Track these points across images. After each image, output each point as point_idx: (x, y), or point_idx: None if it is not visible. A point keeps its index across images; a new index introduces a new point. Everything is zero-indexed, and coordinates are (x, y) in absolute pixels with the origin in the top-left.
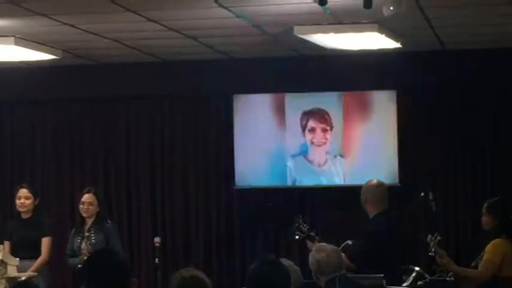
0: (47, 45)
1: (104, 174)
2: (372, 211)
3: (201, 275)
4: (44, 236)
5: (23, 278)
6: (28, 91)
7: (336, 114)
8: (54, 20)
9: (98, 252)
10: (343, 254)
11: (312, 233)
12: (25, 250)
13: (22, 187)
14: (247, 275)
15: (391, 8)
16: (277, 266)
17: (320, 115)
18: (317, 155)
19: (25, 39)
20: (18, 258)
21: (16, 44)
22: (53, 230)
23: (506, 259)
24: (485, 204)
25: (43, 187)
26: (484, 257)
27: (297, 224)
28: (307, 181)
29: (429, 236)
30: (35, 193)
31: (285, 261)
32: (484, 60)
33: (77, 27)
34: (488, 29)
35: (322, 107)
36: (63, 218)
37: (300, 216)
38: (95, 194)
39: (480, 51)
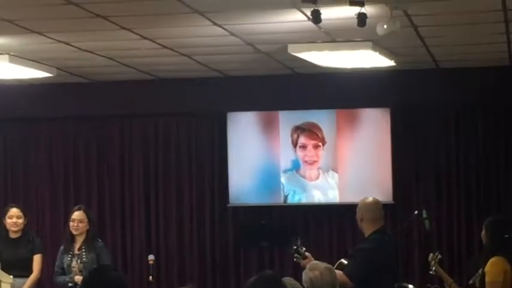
0: (42, 63)
1: (98, 192)
2: (368, 229)
3: None
4: (36, 254)
5: None
6: (22, 109)
7: (328, 129)
8: (48, 37)
9: (97, 269)
10: (337, 271)
11: (310, 255)
12: (16, 269)
13: (13, 207)
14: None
15: (385, 26)
16: (276, 281)
17: (311, 131)
18: (309, 171)
19: (19, 57)
20: (12, 276)
21: (10, 61)
22: (43, 248)
23: (507, 276)
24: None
25: (37, 205)
26: (487, 280)
27: (295, 247)
28: (300, 196)
29: (431, 254)
30: (24, 212)
31: (290, 280)
32: (478, 79)
33: (71, 45)
34: (482, 48)
35: (314, 121)
36: (57, 236)
37: (298, 238)
38: (85, 211)
39: (474, 69)
